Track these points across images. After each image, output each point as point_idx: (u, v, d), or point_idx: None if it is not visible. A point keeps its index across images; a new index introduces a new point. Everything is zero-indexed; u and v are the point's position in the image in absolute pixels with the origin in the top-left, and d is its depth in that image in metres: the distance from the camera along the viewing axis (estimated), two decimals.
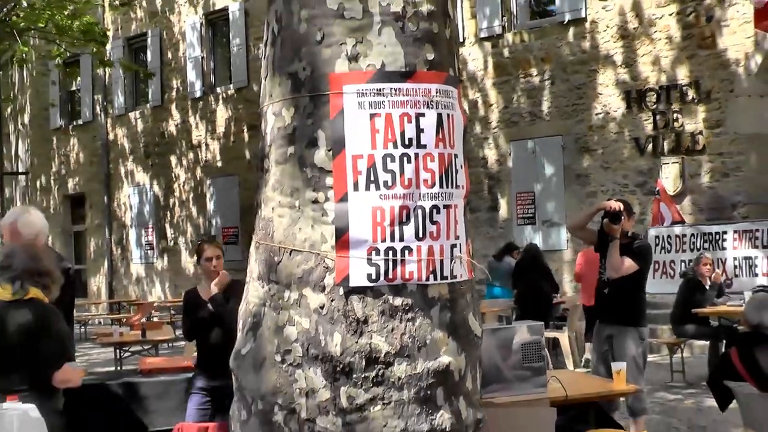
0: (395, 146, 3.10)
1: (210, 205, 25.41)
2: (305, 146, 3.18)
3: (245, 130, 24.29)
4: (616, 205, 8.02)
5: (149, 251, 27.30)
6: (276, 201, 3.25)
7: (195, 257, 7.57)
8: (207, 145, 25.52)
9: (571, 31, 18.34)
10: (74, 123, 30.58)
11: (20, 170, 33.84)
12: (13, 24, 19.24)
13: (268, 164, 3.32)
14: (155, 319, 17.50)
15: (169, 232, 26.78)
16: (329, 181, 3.13)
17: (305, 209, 3.17)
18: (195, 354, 7.50)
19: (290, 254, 3.17)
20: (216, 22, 25.57)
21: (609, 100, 17.80)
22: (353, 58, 3.13)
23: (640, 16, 17.33)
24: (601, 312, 8.64)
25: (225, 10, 24.89)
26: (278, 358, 3.18)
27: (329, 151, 3.13)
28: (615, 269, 8.02)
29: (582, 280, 13.76)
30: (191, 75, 25.80)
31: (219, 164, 25.20)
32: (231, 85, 24.89)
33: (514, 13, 19.46)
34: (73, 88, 30.68)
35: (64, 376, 5.49)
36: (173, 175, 26.68)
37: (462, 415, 3.25)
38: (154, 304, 23.64)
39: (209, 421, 6.59)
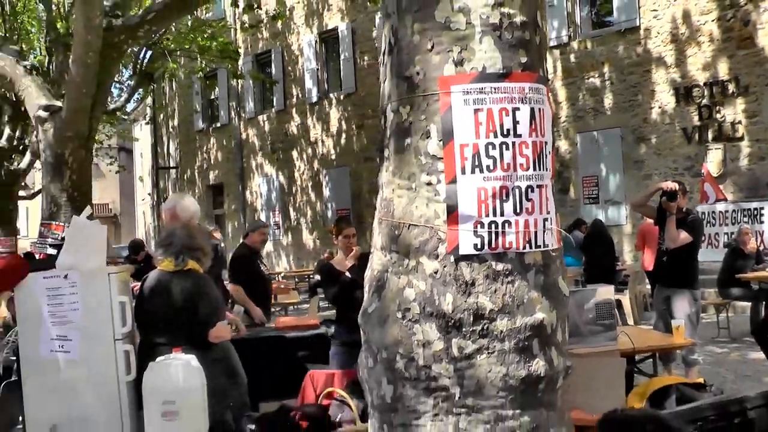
0: (495, 136, 3.08)
1: (326, 192, 25.53)
2: (420, 138, 3.17)
3: (354, 128, 24.36)
4: (672, 185, 7.91)
5: (276, 230, 27.56)
6: (395, 184, 3.24)
7: (334, 234, 7.59)
8: (323, 141, 25.65)
9: (627, 38, 18.00)
10: (213, 126, 31.00)
11: (171, 165, 34.49)
12: (164, 46, 19.60)
13: (388, 153, 3.31)
14: (282, 286, 17.67)
15: (292, 214, 27.00)
16: (440, 166, 3.12)
17: (420, 190, 3.16)
18: (318, 313, 7.55)
19: (408, 228, 3.17)
20: (328, 40, 25.62)
21: (660, 96, 17.44)
22: (459, 63, 3.12)
23: (686, 22, 16.92)
24: (660, 276, 8.52)
25: (335, 29, 24.94)
26: (399, 315, 3.20)
27: (440, 141, 3.12)
28: (672, 240, 7.90)
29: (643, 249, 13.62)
30: (308, 83, 25.92)
31: (333, 157, 25.32)
32: (341, 91, 24.92)
33: (578, 24, 19.18)
34: (212, 97, 31.09)
35: (217, 332, 5.58)
36: (295, 167, 26.87)
37: (554, 363, 3.24)
38: (281, 274, 23.88)
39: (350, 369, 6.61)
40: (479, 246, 3.08)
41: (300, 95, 26.51)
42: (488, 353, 3.10)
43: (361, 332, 3.42)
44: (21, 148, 23.28)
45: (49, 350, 5.42)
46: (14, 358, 8.95)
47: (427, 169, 3.15)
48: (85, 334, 5.43)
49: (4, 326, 9.17)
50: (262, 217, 28.10)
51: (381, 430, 3.32)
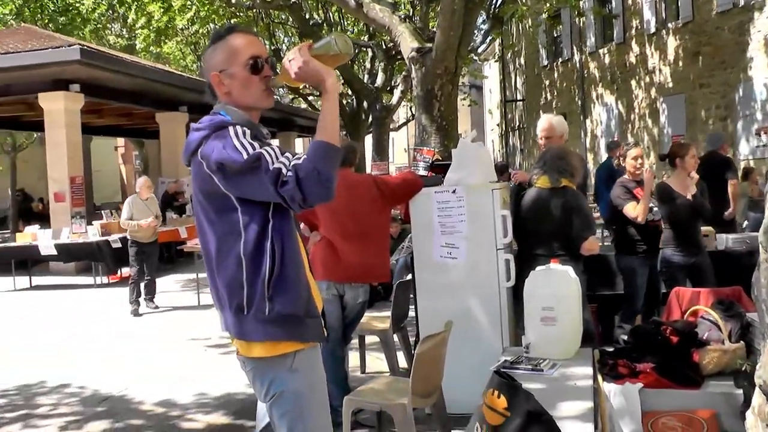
0: None
1: (662, 118, 24.13)
2: None
3: (690, 56, 22.65)
4: None
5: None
6: None
7: (675, 158, 6.97)
8: (660, 70, 24.17)
9: None
10: (557, 61, 30.41)
11: (519, 98, 34.48)
12: None
13: None
14: None
15: (630, 140, 25.80)
16: None
17: None
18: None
19: None
20: None
21: None
22: None
23: None
24: None
25: None
26: None
27: None
28: None
29: None
30: (647, 14, 24.37)
31: (669, 85, 23.76)
32: (678, 20, 23.18)
33: None
34: (556, 35, 30.45)
35: (589, 245, 5.39)
36: (633, 95, 25.65)
37: None
38: None
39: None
40: None
41: (638, 27, 25.07)
42: None
43: (760, 249, 2.97)
44: (389, 88, 24.27)
45: (440, 256, 5.52)
46: (393, 262, 9.41)
47: None
48: (471, 243, 5.49)
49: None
50: (601, 144, 27.31)
51: None
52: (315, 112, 29.84)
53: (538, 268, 4.59)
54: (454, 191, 5.47)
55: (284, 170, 2.55)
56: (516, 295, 5.52)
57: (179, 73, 25.07)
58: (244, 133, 2.68)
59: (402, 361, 7.04)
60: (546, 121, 6.70)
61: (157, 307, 11.89)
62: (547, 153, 5.79)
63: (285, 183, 2.54)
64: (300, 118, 28.93)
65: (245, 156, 2.59)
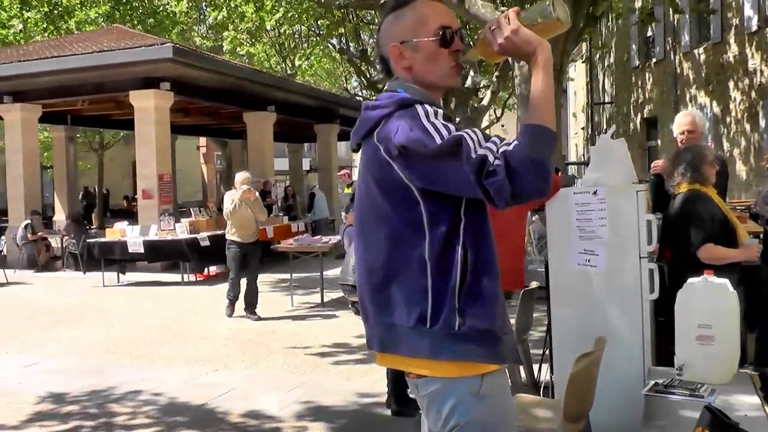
0: None
1: (761, 122, 22.95)
2: None
3: None
4: None
5: None
6: None
7: None
8: (761, 71, 22.99)
9: None
10: (650, 61, 29.38)
11: (606, 101, 33.55)
12: None
13: None
14: None
15: (725, 144, 24.72)
16: None
17: None
18: None
19: None
20: None
21: None
22: None
23: None
24: None
25: None
26: None
27: None
28: None
29: None
30: (748, 12, 23.24)
31: None
32: None
33: None
34: (648, 34, 29.44)
35: (706, 253, 4.85)
36: (730, 98, 24.52)
37: None
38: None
39: None
40: None
41: (738, 25, 23.93)
42: None
43: None
44: (477, 90, 23.79)
45: (577, 263, 4.99)
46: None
47: None
48: (611, 250, 4.95)
49: None
50: None
51: None
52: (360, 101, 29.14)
53: (692, 279, 4.06)
54: (595, 192, 4.93)
55: (491, 158, 2.09)
56: (657, 309, 5.00)
57: (267, 72, 25.00)
58: (435, 114, 2.23)
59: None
60: (687, 115, 6.17)
61: (259, 318, 11.09)
62: (680, 155, 5.34)
63: (492, 173, 2.08)
64: (342, 107, 27.40)
65: (438, 140, 2.15)
